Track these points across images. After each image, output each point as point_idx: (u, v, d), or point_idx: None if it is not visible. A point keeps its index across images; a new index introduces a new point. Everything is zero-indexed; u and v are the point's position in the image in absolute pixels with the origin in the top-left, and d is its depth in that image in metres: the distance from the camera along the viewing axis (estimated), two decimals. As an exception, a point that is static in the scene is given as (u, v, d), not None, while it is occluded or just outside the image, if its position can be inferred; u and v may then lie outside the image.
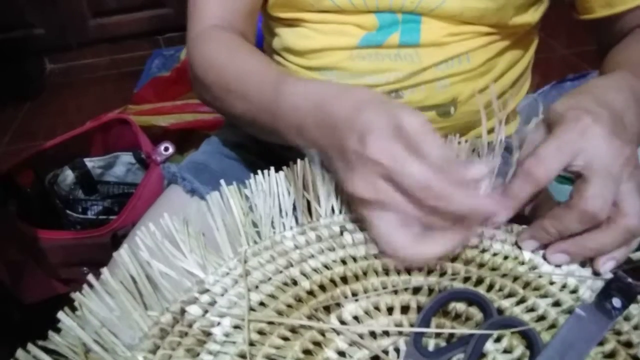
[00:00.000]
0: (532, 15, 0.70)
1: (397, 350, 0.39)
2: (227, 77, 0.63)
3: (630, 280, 0.41)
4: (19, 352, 0.38)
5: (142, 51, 2.28)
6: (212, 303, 0.42)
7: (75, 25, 2.29)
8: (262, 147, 0.79)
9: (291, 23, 0.73)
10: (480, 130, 0.77)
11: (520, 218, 0.50)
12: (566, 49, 1.98)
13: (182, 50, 1.79)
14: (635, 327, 0.40)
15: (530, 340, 0.38)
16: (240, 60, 0.63)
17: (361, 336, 0.39)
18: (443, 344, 0.39)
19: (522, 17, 0.69)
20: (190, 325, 0.40)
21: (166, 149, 1.32)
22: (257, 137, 0.65)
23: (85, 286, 0.43)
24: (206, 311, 0.42)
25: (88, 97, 2.18)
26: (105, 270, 0.44)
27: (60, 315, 0.40)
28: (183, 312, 0.42)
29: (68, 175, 1.43)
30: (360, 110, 0.44)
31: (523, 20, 0.69)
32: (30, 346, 0.38)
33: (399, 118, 0.42)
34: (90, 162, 1.45)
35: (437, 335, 0.40)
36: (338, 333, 0.39)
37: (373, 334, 0.40)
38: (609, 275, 0.43)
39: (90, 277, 0.43)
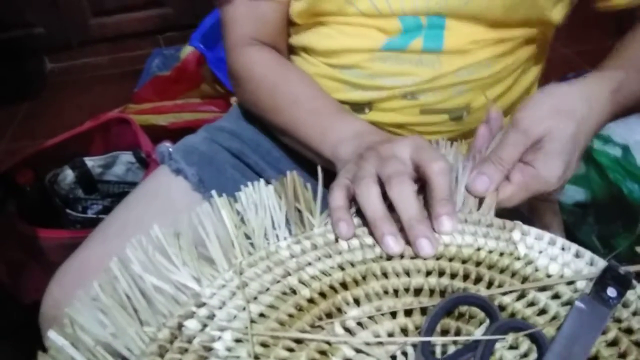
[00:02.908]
0: (558, 11, 0.69)
1: (404, 353, 0.39)
2: (280, 94, 0.71)
3: (623, 268, 0.41)
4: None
5: (142, 50, 2.27)
6: (211, 317, 0.41)
7: (76, 25, 2.28)
8: (253, 139, 0.80)
9: (313, 25, 0.74)
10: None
11: (517, 216, 0.51)
12: (566, 48, 1.98)
13: (182, 50, 1.78)
14: (634, 313, 0.41)
15: (536, 339, 0.38)
16: (293, 80, 0.72)
17: (367, 343, 0.39)
18: (450, 345, 0.39)
19: (549, 12, 0.68)
20: (189, 341, 0.40)
21: (166, 146, 1.32)
22: (289, 145, 0.74)
23: (76, 302, 0.42)
24: (205, 325, 0.41)
25: (88, 96, 2.17)
26: (96, 285, 0.43)
27: (51, 334, 0.39)
28: (180, 327, 0.41)
29: (68, 175, 1.43)
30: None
31: (549, 16, 0.69)
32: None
33: None
34: (90, 162, 1.45)
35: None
36: (344, 341, 0.39)
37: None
38: (602, 265, 0.44)
39: (81, 292, 0.43)
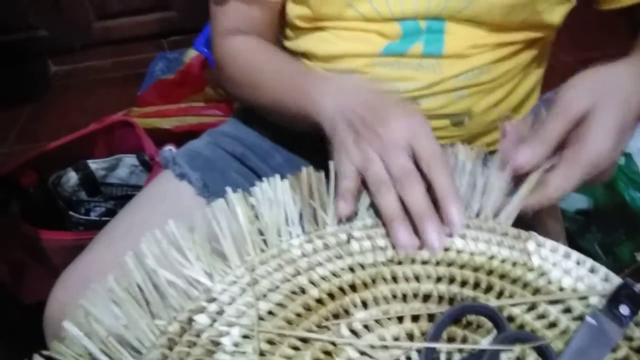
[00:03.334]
0: (557, 14, 0.69)
1: (409, 359, 0.39)
2: (259, 68, 0.70)
3: (638, 286, 0.40)
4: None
5: (146, 54, 2.27)
6: (221, 312, 0.42)
7: (79, 28, 2.28)
8: (255, 143, 0.80)
9: (314, 29, 0.74)
10: (486, 140, 0.77)
11: (520, 223, 0.51)
12: (569, 56, 1.98)
13: (186, 53, 1.79)
14: (647, 333, 0.40)
15: (543, 352, 0.38)
16: (270, 54, 0.71)
17: (372, 346, 0.39)
18: (455, 354, 0.39)
19: (549, 15, 0.68)
20: (198, 335, 0.40)
21: (170, 151, 1.32)
22: (276, 121, 0.73)
23: (90, 294, 0.43)
24: (214, 320, 0.41)
25: (92, 100, 2.17)
26: (110, 278, 0.44)
27: (66, 324, 0.40)
28: (191, 321, 0.41)
29: (71, 177, 1.43)
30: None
31: (549, 20, 0.69)
32: (35, 357, 0.38)
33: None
34: (94, 164, 1.45)
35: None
36: (349, 343, 0.39)
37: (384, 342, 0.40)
38: (617, 281, 0.43)
39: (96, 285, 0.43)
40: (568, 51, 1.95)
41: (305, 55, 0.76)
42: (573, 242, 1.29)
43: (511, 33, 0.69)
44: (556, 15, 0.69)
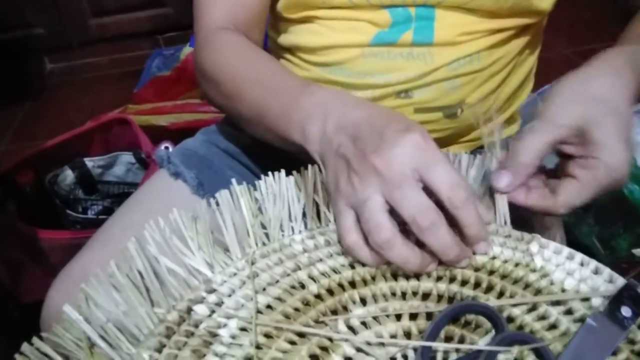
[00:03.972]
0: (545, 1, 0.68)
1: (405, 356, 0.38)
2: (241, 77, 0.64)
3: None
4: (25, 346, 0.38)
5: (142, 51, 2.27)
6: (219, 303, 0.42)
7: (76, 25, 2.29)
8: (249, 141, 0.79)
9: (302, 20, 0.73)
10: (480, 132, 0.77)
11: (517, 219, 0.50)
12: (566, 48, 1.98)
13: (182, 50, 1.78)
14: (650, 336, 0.39)
15: (541, 354, 0.37)
16: (255, 61, 0.65)
17: (369, 343, 0.39)
18: (452, 353, 0.38)
19: (538, 0, 0.67)
20: (196, 325, 0.40)
21: (166, 148, 1.32)
22: (259, 137, 0.66)
23: (91, 279, 0.43)
24: (213, 311, 0.41)
25: (88, 97, 2.17)
26: (112, 264, 0.44)
27: (66, 308, 0.40)
28: (190, 310, 0.41)
29: (68, 175, 1.43)
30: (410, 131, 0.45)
31: (539, 5, 0.68)
32: (35, 340, 0.38)
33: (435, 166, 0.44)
34: (90, 162, 1.45)
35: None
36: (346, 339, 0.39)
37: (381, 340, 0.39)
38: (621, 283, 0.42)
39: (97, 271, 0.43)
40: (566, 44, 1.95)
41: (294, 49, 0.76)
42: (571, 235, 1.29)
43: (502, 19, 0.68)
44: (546, 0, 0.69)
